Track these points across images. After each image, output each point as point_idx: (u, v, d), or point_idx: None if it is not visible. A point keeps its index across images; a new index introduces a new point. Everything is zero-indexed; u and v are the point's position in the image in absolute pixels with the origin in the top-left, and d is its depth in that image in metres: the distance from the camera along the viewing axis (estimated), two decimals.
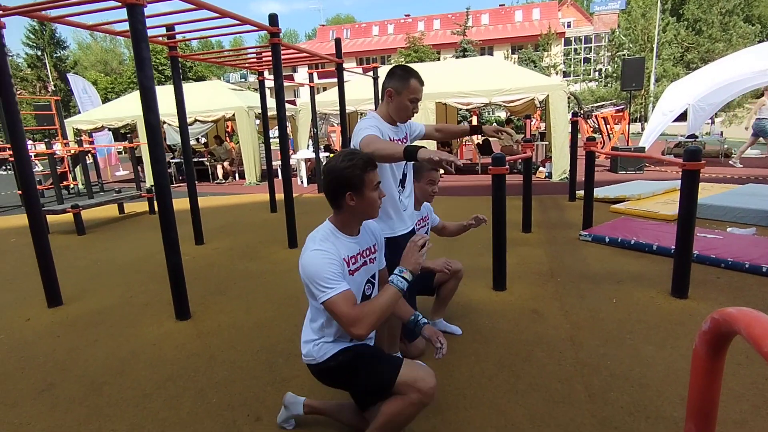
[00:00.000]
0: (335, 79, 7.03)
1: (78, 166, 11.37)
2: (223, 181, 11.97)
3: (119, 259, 5.00)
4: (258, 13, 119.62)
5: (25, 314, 3.54)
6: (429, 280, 2.81)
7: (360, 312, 1.57)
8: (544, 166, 10.12)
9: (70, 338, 3.08)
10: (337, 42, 7.05)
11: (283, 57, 5.25)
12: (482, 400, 2.19)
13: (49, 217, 6.55)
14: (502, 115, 25.99)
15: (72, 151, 11.15)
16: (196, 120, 11.25)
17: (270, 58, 5.22)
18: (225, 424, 2.10)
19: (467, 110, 15.14)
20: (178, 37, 5.12)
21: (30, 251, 3.75)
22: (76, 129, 12.37)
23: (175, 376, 2.52)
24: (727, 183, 7.61)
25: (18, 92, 3.44)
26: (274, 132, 13.37)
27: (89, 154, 11.85)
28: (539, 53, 33.98)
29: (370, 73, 8.87)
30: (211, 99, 11.70)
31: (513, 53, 39.25)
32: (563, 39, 40.77)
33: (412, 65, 2.77)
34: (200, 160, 12.39)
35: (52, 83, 34.40)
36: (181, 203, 5.30)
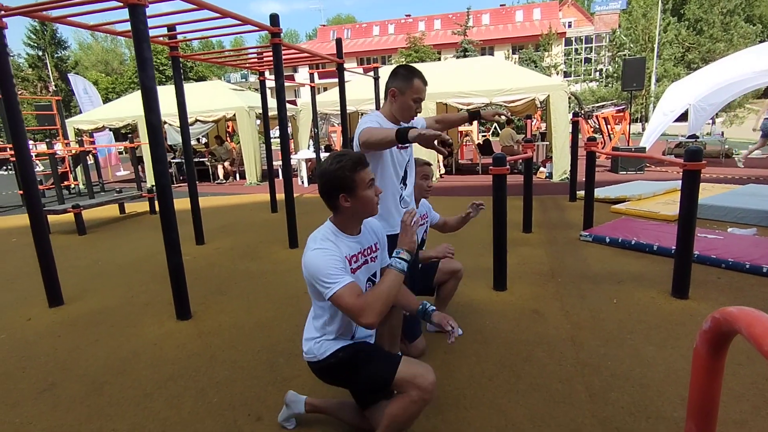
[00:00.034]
0: (336, 79, 7.03)
1: (79, 166, 11.38)
2: (224, 181, 11.98)
3: (120, 259, 5.01)
4: (258, 13, 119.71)
5: (26, 314, 3.55)
6: (429, 280, 2.81)
7: (365, 301, 1.57)
8: (544, 167, 10.12)
9: (71, 338, 3.09)
10: (338, 42, 7.05)
11: (283, 57, 5.26)
12: (483, 400, 2.19)
13: (50, 217, 6.56)
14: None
15: (73, 151, 11.16)
16: (197, 120, 11.26)
17: (271, 59, 5.23)
18: (226, 423, 2.10)
19: (474, 121, 15.13)
20: (179, 37, 5.13)
21: (31, 251, 3.76)
22: (77, 129, 12.39)
23: (176, 376, 2.52)
24: (727, 183, 7.61)
25: (19, 92, 3.45)
26: (274, 132, 13.38)
27: (90, 154, 11.88)
28: (540, 53, 33.98)
29: (371, 73, 8.88)
30: (212, 99, 11.72)
31: (514, 53, 39.24)
32: (564, 39, 40.75)
33: (413, 65, 2.78)
34: (201, 160, 12.41)
35: (53, 83, 34.44)
36: (181, 203, 5.30)
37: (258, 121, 11.73)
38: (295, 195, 5.14)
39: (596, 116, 13.53)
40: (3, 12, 3.26)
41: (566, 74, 40.15)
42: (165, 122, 10.65)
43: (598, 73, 39.63)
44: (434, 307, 1.86)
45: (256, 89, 11.15)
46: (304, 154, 10.88)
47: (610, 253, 4.38)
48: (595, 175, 5.07)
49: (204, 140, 16.06)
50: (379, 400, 1.80)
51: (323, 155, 10.46)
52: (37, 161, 14.38)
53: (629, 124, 14.14)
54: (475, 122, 16.39)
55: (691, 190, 3.04)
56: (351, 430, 2.00)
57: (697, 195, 3.06)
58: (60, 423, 2.16)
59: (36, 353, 2.89)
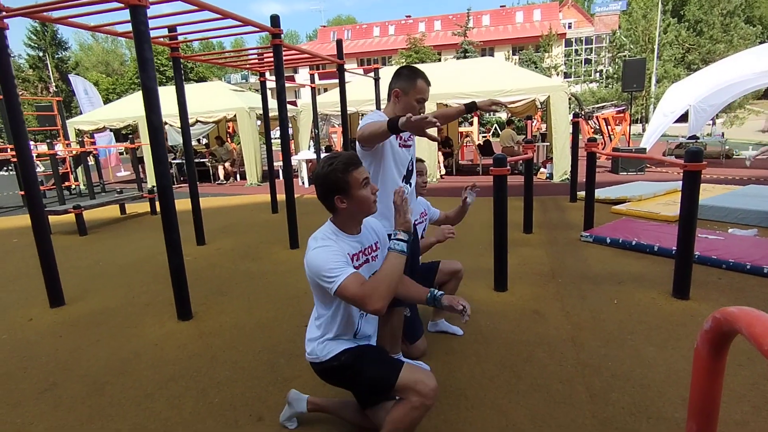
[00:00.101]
0: (336, 80, 7.04)
1: (80, 167, 11.39)
2: (225, 181, 11.98)
3: (121, 260, 5.01)
4: (259, 13, 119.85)
5: (28, 314, 3.55)
6: (429, 281, 2.81)
7: (369, 287, 1.57)
8: (545, 167, 10.13)
9: (73, 338, 3.09)
10: (339, 43, 7.06)
11: (284, 58, 5.27)
12: (483, 400, 2.19)
13: (51, 218, 6.55)
14: (503, 116, 26.00)
15: (74, 152, 11.17)
16: (197, 121, 11.27)
17: (271, 59, 5.24)
18: (227, 423, 2.10)
19: (471, 113, 15.13)
20: (180, 38, 5.13)
21: (32, 252, 3.76)
22: (78, 129, 12.40)
23: (177, 376, 2.53)
24: (728, 184, 7.61)
25: (20, 93, 3.45)
26: (275, 133, 13.40)
27: (91, 155, 11.89)
28: (540, 54, 34.02)
29: (371, 74, 8.88)
30: (213, 100, 11.72)
31: (514, 54, 39.27)
32: (564, 40, 40.78)
33: (416, 66, 2.78)
34: (202, 160, 12.41)
35: (53, 84, 34.48)
36: (182, 204, 5.31)
37: (258, 122, 11.74)
38: (295, 196, 5.14)
39: (596, 117, 13.54)
40: (4, 13, 3.26)
41: (566, 75, 40.16)
42: (166, 123, 10.66)
43: (598, 74, 39.62)
44: (442, 292, 1.85)
45: (257, 90, 11.17)
46: (304, 154, 10.89)
47: (611, 253, 4.38)
48: (596, 175, 5.08)
49: (204, 141, 16.08)
50: (381, 401, 1.80)
51: (323, 156, 10.47)
52: (38, 162, 14.39)
53: (629, 125, 14.14)
54: (476, 123, 16.42)
55: (692, 190, 3.05)
56: (353, 430, 2.00)
57: (697, 196, 3.06)
58: (61, 423, 2.17)
59: (37, 353, 2.89)
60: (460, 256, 3.33)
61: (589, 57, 42.78)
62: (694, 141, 11.14)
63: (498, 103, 2.71)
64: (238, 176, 12.36)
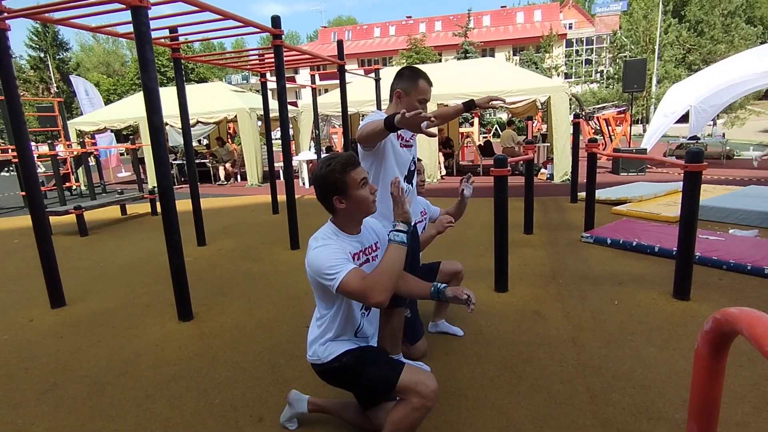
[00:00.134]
0: (337, 81, 7.04)
1: (80, 168, 11.41)
2: (225, 182, 11.99)
3: (122, 260, 5.02)
4: (259, 14, 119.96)
5: (29, 315, 3.55)
6: (430, 281, 2.81)
7: (370, 280, 1.57)
8: (545, 168, 10.13)
9: (73, 339, 3.09)
10: (339, 44, 7.07)
11: (285, 59, 5.27)
12: (484, 401, 2.20)
13: (52, 219, 6.56)
14: (504, 116, 25.99)
15: (75, 153, 11.19)
16: (198, 122, 11.28)
17: (272, 60, 5.24)
18: (227, 424, 2.10)
19: (470, 111, 15.17)
20: (181, 39, 5.14)
21: (33, 252, 3.77)
22: (79, 130, 12.42)
23: (177, 377, 2.53)
24: (729, 185, 7.60)
25: (21, 94, 3.46)
26: (275, 133, 13.41)
27: (92, 156, 11.90)
28: (541, 55, 34.02)
29: (372, 74, 8.89)
30: (214, 100, 11.74)
31: (514, 55, 39.27)
32: (565, 40, 40.80)
33: (417, 66, 2.79)
34: (202, 161, 12.42)
35: (54, 85, 34.54)
36: (183, 204, 5.32)
37: (259, 123, 11.76)
38: (296, 196, 5.14)
39: (597, 118, 13.54)
40: (5, 14, 3.27)
41: (567, 76, 40.17)
42: (166, 123, 10.66)
43: (599, 75, 39.63)
44: (445, 284, 1.85)
45: (257, 91, 11.18)
46: (305, 155, 10.90)
47: (612, 254, 4.38)
48: (596, 176, 5.08)
49: (205, 141, 16.08)
50: (382, 401, 1.81)
51: (323, 156, 10.48)
52: (39, 162, 14.41)
53: (630, 125, 14.14)
54: (476, 124, 16.42)
55: (693, 191, 3.05)
56: (354, 431, 2.00)
57: (698, 196, 3.06)
58: (62, 424, 2.17)
59: (38, 354, 2.89)
60: (460, 257, 3.34)
61: (589, 57, 42.79)
62: (694, 141, 11.13)
63: (496, 99, 2.70)
64: (238, 177, 12.37)
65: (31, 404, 2.34)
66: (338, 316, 1.76)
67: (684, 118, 11.11)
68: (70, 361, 2.78)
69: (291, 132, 11.37)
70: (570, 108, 9.99)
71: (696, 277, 3.28)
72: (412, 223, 2.42)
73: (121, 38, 4.40)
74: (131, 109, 12.13)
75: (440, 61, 32.56)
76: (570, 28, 43.53)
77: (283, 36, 4.86)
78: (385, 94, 8.34)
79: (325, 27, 56.42)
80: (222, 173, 12.02)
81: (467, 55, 26.80)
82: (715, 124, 14.74)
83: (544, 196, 7.49)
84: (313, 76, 10.34)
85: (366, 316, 1.85)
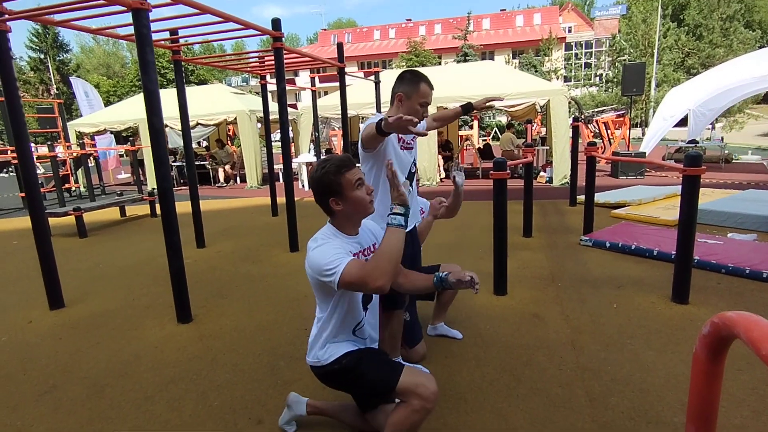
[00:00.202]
0: (337, 83, 7.06)
1: (80, 169, 11.40)
2: (225, 184, 12.00)
3: (121, 262, 5.02)
4: (260, 16, 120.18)
5: (28, 316, 3.55)
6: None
7: (370, 265, 1.57)
8: (544, 171, 10.14)
9: (73, 340, 3.09)
10: (339, 47, 7.08)
11: (285, 61, 5.28)
12: (483, 404, 2.20)
13: (51, 220, 6.55)
14: (503, 119, 26.04)
15: (74, 154, 11.19)
16: (198, 123, 11.29)
17: (272, 62, 5.25)
18: (227, 426, 2.10)
19: (468, 114, 15.21)
20: (182, 41, 5.15)
21: (32, 253, 3.77)
22: (79, 132, 12.42)
23: (177, 379, 2.53)
24: (727, 188, 7.62)
25: (21, 95, 3.46)
26: (275, 135, 13.42)
27: (91, 157, 11.91)
28: (540, 58, 34.13)
29: (372, 77, 8.91)
30: (214, 102, 11.75)
31: (514, 58, 39.39)
32: (564, 44, 40.92)
33: (418, 69, 2.80)
34: (202, 163, 12.43)
35: (54, 86, 34.54)
36: (182, 206, 5.33)
37: (259, 125, 11.77)
38: (295, 198, 5.15)
39: (596, 121, 13.58)
40: (6, 15, 3.28)
41: (566, 79, 40.30)
42: (166, 125, 10.67)
43: (598, 78, 39.76)
44: (447, 272, 1.85)
45: (257, 93, 11.20)
46: (304, 157, 10.91)
47: (611, 257, 4.38)
48: (595, 179, 5.08)
49: (205, 143, 16.10)
50: (381, 404, 1.81)
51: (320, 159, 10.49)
52: (39, 164, 14.41)
53: (629, 129, 14.18)
54: (476, 126, 16.45)
55: (691, 195, 3.05)
56: None
57: (697, 200, 3.07)
58: (61, 426, 2.17)
59: (37, 356, 2.89)
60: (460, 260, 3.35)
61: (588, 61, 42.93)
62: (693, 145, 11.17)
63: (493, 100, 2.70)
64: (238, 179, 12.38)
65: (30, 406, 2.34)
66: (336, 312, 1.75)
67: (683, 122, 11.14)
68: (69, 362, 2.78)
69: (291, 134, 11.39)
70: (569, 111, 10.01)
71: (695, 281, 3.28)
72: (413, 225, 2.44)
73: (122, 40, 4.41)
74: (131, 110, 12.14)
75: (440, 64, 32.65)
76: (569, 31, 43.67)
77: (283, 38, 4.87)
78: (385, 96, 8.36)
79: (325, 29, 56.53)
80: (221, 175, 12.03)
81: (467, 58, 26.90)
82: (713, 127, 14.76)
83: (544, 199, 7.50)
84: (312, 79, 10.35)
85: (367, 313, 1.85)
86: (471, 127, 16.79)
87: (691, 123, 10.86)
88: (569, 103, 10.01)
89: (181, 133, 5.58)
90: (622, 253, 4.45)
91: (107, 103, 21.65)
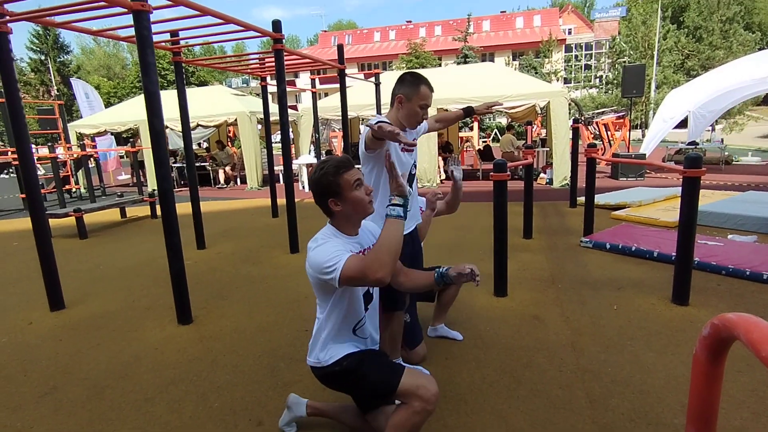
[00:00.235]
0: (337, 85, 7.07)
1: (80, 170, 11.41)
2: (225, 185, 12.00)
3: (121, 263, 5.02)
4: (260, 18, 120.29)
5: (28, 317, 3.55)
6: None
7: (369, 258, 1.57)
8: (545, 173, 10.15)
9: (73, 342, 3.09)
10: (340, 48, 7.09)
11: (285, 63, 5.29)
12: (483, 405, 2.20)
13: (51, 221, 6.56)
14: (503, 121, 26.07)
15: (75, 155, 11.20)
16: (198, 125, 11.30)
17: (272, 64, 5.26)
18: (227, 428, 2.10)
19: (469, 117, 15.21)
20: (182, 42, 5.16)
21: (32, 255, 3.77)
22: (79, 133, 12.43)
23: (177, 380, 2.53)
24: (727, 190, 7.62)
25: (22, 96, 3.46)
26: (275, 137, 13.43)
27: (92, 158, 11.92)
28: (540, 60, 34.16)
29: (372, 79, 8.92)
30: (214, 104, 11.77)
31: (514, 60, 39.43)
32: (564, 46, 40.97)
33: (418, 71, 2.81)
34: (202, 164, 12.43)
35: (55, 87, 34.58)
36: (183, 208, 5.33)
37: (259, 126, 11.79)
38: (296, 200, 5.15)
39: (596, 123, 13.60)
40: (8, 17, 3.29)
41: (566, 81, 40.34)
42: (167, 126, 10.67)
43: (598, 80, 39.81)
44: (447, 267, 1.85)
45: (258, 94, 11.20)
46: (305, 159, 10.92)
47: (611, 259, 4.39)
48: (596, 181, 5.09)
49: (205, 145, 16.12)
50: (381, 405, 1.81)
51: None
52: (39, 165, 14.42)
53: (629, 130, 14.19)
54: (476, 128, 16.46)
55: (691, 196, 3.06)
56: None
57: (697, 202, 3.07)
58: (61, 427, 2.17)
59: (37, 357, 2.89)
60: (460, 262, 3.34)
61: (588, 63, 42.99)
62: (693, 147, 11.17)
63: (494, 105, 2.72)
64: (238, 180, 12.38)
65: (30, 407, 2.34)
66: (336, 311, 1.75)
67: (683, 124, 11.15)
68: (70, 364, 2.78)
69: (291, 135, 11.39)
70: (569, 113, 10.02)
71: (695, 283, 3.28)
72: (413, 226, 2.44)
73: (123, 41, 4.41)
74: (131, 112, 12.16)
75: (440, 65, 32.69)
76: (569, 33, 43.73)
77: (283, 40, 4.88)
78: (385, 98, 8.37)
79: (325, 31, 56.61)
80: (222, 176, 12.04)
81: (467, 59, 26.93)
82: (713, 129, 14.77)
83: (544, 201, 7.50)
84: (313, 80, 10.37)
85: (368, 313, 1.85)
86: (471, 129, 16.80)
87: (691, 125, 10.88)
88: (569, 104, 10.02)
89: (181, 134, 5.59)
90: (622, 255, 4.45)
91: (108, 105, 21.66)
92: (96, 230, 6.92)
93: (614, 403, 2.17)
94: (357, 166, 1.78)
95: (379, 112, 8.63)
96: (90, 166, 11.29)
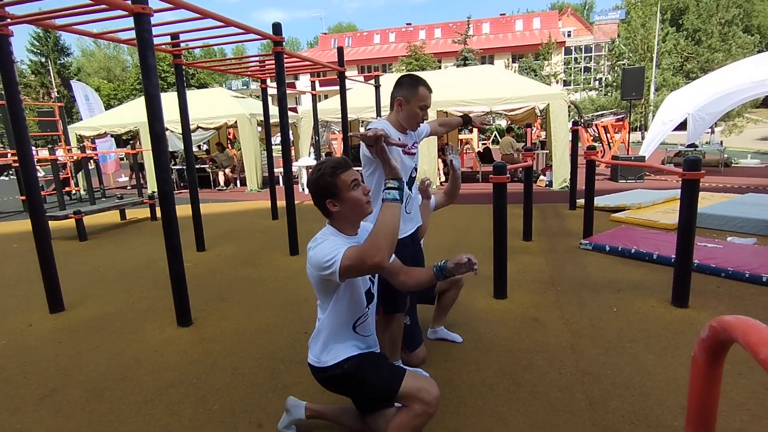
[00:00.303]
0: (337, 87, 7.08)
1: (80, 172, 11.42)
2: (225, 188, 12.01)
3: (121, 265, 5.02)
4: (260, 20, 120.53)
5: (28, 320, 3.55)
6: (430, 289, 2.82)
7: (366, 243, 1.57)
8: (544, 175, 10.16)
9: (72, 344, 3.09)
10: (340, 51, 7.10)
11: (285, 65, 5.30)
12: (483, 408, 2.20)
13: (51, 223, 6.53)
14: (503, 123, 26.08)
15: (75, 157, 11.20)
16: (198, 127, 11.31)
17: (272, 66, 5.27)
18: (226, 430, 2.10)
19: (466, 126, 15.23)
20: (183, 45, 5.17)
21: (32, 257, 3.77)
22: (79, 135, 12.44)
23: (176, 383, 2.53)
24: (727, 192, 7.63)
25: (22, 98, 3.47)
26: (275, 139, 13.44)
27: (92, 160, 11.92)
28: (540, 62, 34.18)
29: (372, 81, 8.93)
30: (214, 106, 11.78)
31: (513, 62, 39.48)
32: (563, 48, 41.03)
33: (416, 74, 2.82)
34: (202, 166, 12.44)
35: (55, 90, 34.61)
36: (182, 210, 5.33)
37: (259, 128, 11.80)
38: (295, 202, 5.15)
39: (596, 125, 13.60)
40: (9, 20, 3.30)
41: (566, 83, 40.38)
42: (167, 129, 10.67)
43: (597, 82, 39.86)
44: (445, 261, 1.85)
45: (258, 96, 11.23)
46: (305, 161, 10.93)
47: (610, 261, 4.39)
48: (595, 183, 5.10)
49: (205, 147, 16.12)
50: (381, 408, 1.81)
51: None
52: (39, 167, 14.41)
53: (629, 133, 14.20)
54: (475, 131, 16.48)
55: (691, 199, 3.06)
56: None
57: (696, 204, 3.08)
58: (60, 429, 2.16)
59: (37, 359, 2.89)
60: None
61: (588, 65, 43.06)
62: (692, 149, 11.19)
63: (485, 124, 2.77)
64: (238, 182, 12.39)
65: (29, 409, 2.34)
66: (336, 308, 1.75)
67: (682, 126, 11.17)
68: (69, 366, 2.78)
69: (291, 138, 11.40)
70: (569, 115, 10.04)
71: (694, 285, 3.29)
72: (414, 228, 2.44)
73: (123, 44, 4.42)
74: (131, 114, 12.17)
75: (440, 68, 32.74)
76: (569, 35, 43.81)
77: (283, 43, 4.89)
78: (385, 100, 8.38)
79: (325, 33, 56.69)
80: (222, 178, 12.04)
81: (466, 62, 26.97)
82: (712, 131, 14.78)
83: (543, 203, 7.51)
84: (313, 83, 10.37)
85: (369, 311, 1.84)
86: (471, 131, 16.80)
87: (691, 127, 10.90)
88: (569, 107, 10.03)
89: (181, 136, 5.59)
90: (621, 257, 4.45)
91: (108, 107, 21.68)
92: (96, 232, 6.92)
93: (614, 405, 2.17)
94: (356, 168, 1.78)
95: (379, 114, 8.65)
96: (90, 168, 11.29)
